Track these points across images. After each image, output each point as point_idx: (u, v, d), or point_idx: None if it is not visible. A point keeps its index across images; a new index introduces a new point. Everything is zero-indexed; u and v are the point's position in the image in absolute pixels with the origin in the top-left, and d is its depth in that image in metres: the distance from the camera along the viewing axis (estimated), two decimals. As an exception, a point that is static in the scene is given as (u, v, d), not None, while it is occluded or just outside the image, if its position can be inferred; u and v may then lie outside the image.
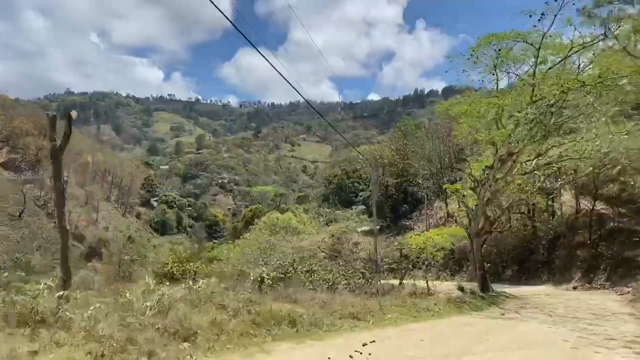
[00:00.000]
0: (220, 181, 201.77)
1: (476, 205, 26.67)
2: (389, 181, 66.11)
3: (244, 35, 10.11)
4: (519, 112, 20.93)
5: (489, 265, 44.12)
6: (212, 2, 9.07)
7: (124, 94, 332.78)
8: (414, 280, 41.73)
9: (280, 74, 11.86)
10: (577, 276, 35.66)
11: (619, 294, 27.97)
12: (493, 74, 20.74)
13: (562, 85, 19.02)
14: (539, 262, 40.35)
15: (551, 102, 20.97)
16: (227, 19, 9.93)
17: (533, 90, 20.51)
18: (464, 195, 30.38)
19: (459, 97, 29.58)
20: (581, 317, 17.22)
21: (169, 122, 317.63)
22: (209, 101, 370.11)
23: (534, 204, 43.20)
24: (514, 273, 42.01)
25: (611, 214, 37.82)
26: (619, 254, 32.43)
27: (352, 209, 51.83)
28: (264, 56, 11.17)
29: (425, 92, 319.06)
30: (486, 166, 25.02)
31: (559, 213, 44.26)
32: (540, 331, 14.25)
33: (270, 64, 11.07)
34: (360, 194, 72.62)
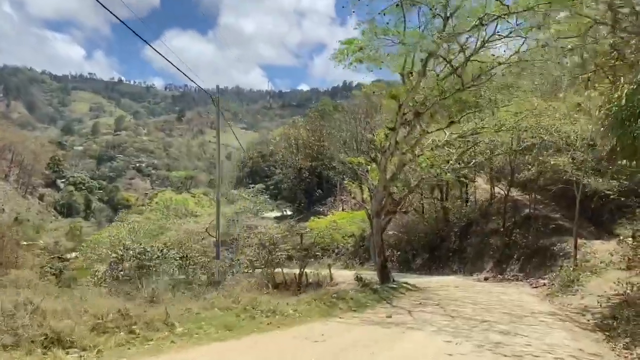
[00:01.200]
0: (137, 165, 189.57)
1: (378, 180, 21.77)
2: (303, 164, 60.94)
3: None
4: (424, 52, 15.99)
5: (398, 253, 39.93)
6: None
7: (39, 70, 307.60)
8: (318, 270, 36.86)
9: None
10: (489, 266, 31.91)
11: (533, 287, 24.08)
12: (398, 5, 15.48)
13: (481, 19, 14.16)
14: (450, 250, 36.45)
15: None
16: None
17: (445, 25, 15.57)
18: (367, 171, 25.44)
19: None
20: (493, 321, 12.48)
21: (89, 102, 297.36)
22: (132, 82, 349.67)
23: (447, 187, 39.28)
24: (424, 262, 37.97)
25: (527, 201, 34.46)
26: (534, 242, 28.79)
27: (250, 188, 46.11)
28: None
29: (354, 84, 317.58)
30: (388, 129, 20.04)
31: (472, 199, 40.67)
32: (432, 349, 9.19)
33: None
34: (273, 177, 66.99)
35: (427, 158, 23.39)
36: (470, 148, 26.55)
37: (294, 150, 62.53)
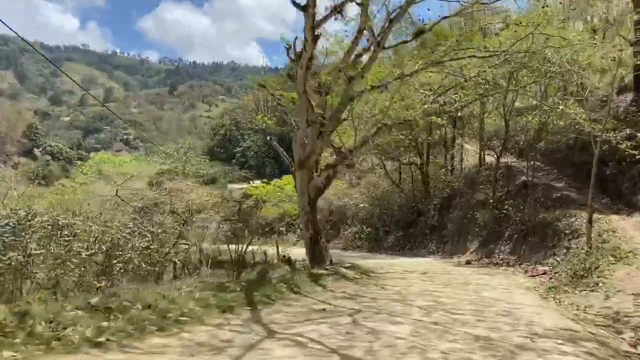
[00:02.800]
0: (125, 137, 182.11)
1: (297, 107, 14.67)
2: (273, 129, 53.55)
3: None
4: None
5: (368, 229, 33.00)
6: None
7: (31, 40, 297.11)
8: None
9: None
10: (473, 246, 25.03)
11: (529, 275, 17.19)
12: None
13: None
14: (428, 226, 29.52)
15: None
16: None
17: None
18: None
19: None
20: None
21: (81, 73, 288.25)
22: (127, 55, 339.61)
23: (427, 151, 32.10)
24: (397, 240, 31.09)
25: (523, 168, 27.39)
26: (531, 216, 21.76)
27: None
28: None
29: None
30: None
31: (458, 167, 33.57)
32: None
33: None
34: (241, 144, 59.55)
35: (393, 98, 16.25)
36: (451, 88, 19.36)
37: (263, 114, 55.12)
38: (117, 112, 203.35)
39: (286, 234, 42.17)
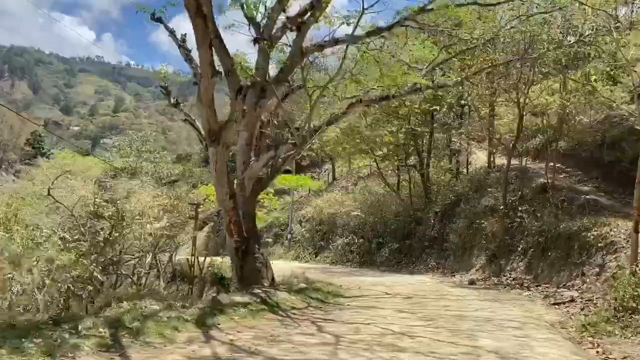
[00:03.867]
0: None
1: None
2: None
3: None
4: None
5: (360, 240, 28.48)
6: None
7: (47, 52, 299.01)
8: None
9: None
10: (479, 262, 20.43)
11: (551, 304, 12.63)
12: None
13: None
14: (427, 238, 24.94)
15: None
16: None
17: None
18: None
19: None
20: None
21: (94, 84, 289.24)
22: (140, 67, 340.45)
23: (428, 153, 27.62)
24: (392, 254, 26.52)
25: (540, 169, 22.85)
26: (552, 226, 17.15)
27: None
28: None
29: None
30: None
31: (465, 172, 29.01)
32: None
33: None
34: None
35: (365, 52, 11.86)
36: (453, 57, 14.97)
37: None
38: (127, 122, 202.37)
39: (273, 245, 37.78)
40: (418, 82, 13.49)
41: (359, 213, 29.73)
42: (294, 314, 8.99)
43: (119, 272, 18.45)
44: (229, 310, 7.99)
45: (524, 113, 20.70)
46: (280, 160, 11.58)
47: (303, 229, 34.52)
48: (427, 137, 26.84)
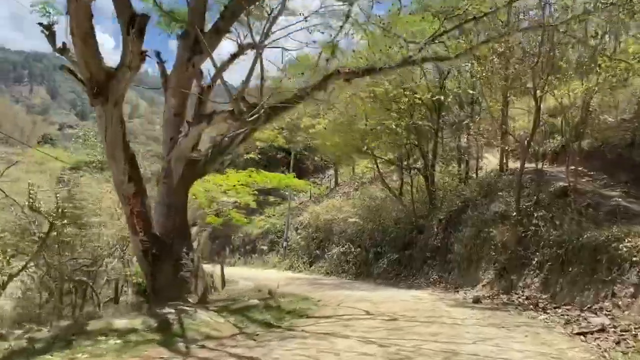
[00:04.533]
0: (146, 152, 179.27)
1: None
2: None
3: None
4: None
5: (358, 249, 25.73)
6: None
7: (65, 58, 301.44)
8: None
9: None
10: (486, 277, 17.50)
11: (576, 333, 9.71)
12: None
13: None
14: (429, 248, 22.07)
15: None
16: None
17: None
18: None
19: None
20: None
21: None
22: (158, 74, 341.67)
23: (434, 154, 24.85)
24: (390, 265, 23.68)
25: (559, 172, 19.97)
26: (574, 235, 14.21)
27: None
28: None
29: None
30: None
31: (474, 177, 26.08)
32: None
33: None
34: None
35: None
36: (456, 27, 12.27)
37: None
38: (141, 128, 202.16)
39: (268, 253, 35.08)
40: (412, 53, 10.75)
41: (357, 220, 26.94)
42: (203, 346, 6.31)
43: (74, 279, 15.91)
44: (88, 341, 5.34)
45: (541, 104, 17.81)
46: (226, 139, 8.98)
47: (298, 237, 31.80)
48: (432, 135, 23.99)
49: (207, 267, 22.84)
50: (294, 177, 29.23)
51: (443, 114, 25.67)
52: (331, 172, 45.97)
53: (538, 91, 16.77)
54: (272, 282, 22.19)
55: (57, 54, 8.73)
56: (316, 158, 44.76)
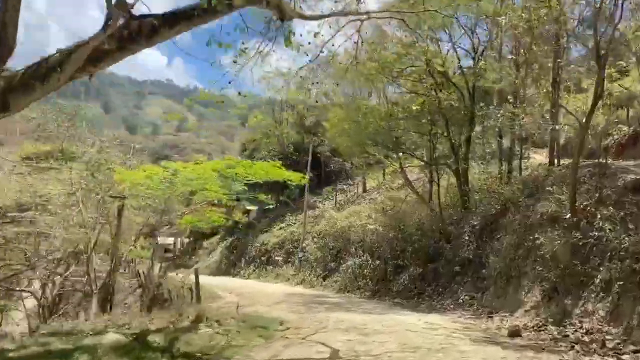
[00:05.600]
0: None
1: None
2: (290, 136, 43.04)
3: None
4: None
5: (377, 262, 21.60)
6: None
7: (120, 75, 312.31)
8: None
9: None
10: (531, 300, 12.97)
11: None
12: None
13: None
14: (459, 261, 17.62)
15: None
16: None
17: None
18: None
19: None
20: None
21: (162, 106, 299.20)
22: (207, 89, 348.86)
23: (468, 141, 20.50)
24: (412, 281, 19.35)
25: (627, 165, 15.28)
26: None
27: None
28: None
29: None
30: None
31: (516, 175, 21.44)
32: None
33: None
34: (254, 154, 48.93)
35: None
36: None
37: (280, 117, 44.86)
38: (188, 142, 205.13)
39: (283, 264, 31.24)
40: None
41: (377, 227, 22.72)
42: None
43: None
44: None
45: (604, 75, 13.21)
46: (56, 55, 5.39)
47: (314, 246, 27.82)
48: (466, 124, 19.62)
49: (188, 278, 19.25)
50: (309, 177, 25.37)
51: (480, 103, 21.28)
52: (360, 178, 41.77)
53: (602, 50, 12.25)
54: (264, 297, 18.34)
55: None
56: (346, 163, 40.80)
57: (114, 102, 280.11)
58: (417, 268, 19.34)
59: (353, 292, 21.54)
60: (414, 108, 16.66)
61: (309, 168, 33.14)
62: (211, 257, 42.95)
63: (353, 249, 23.92)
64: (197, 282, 15.72)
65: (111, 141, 21.60)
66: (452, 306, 16.01)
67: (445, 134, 19.53)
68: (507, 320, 12.72)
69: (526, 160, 23.59)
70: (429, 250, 19.30)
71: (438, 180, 20.65)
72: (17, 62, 5.66)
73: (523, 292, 13.47)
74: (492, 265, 15.55)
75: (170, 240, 54.43)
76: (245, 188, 18.10)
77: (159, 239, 54.59)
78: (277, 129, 43.63)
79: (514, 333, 10.74)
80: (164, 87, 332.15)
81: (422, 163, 22.06)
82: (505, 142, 22.75)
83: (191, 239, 49.95)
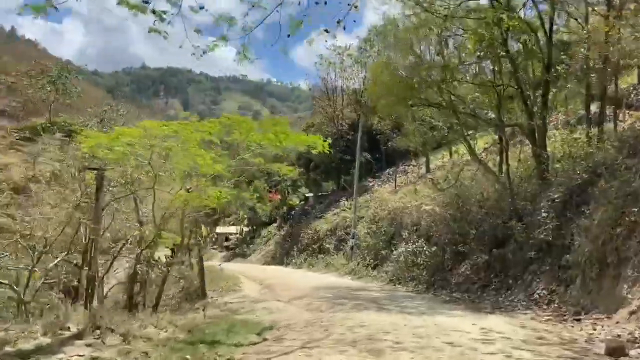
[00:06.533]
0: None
1: None
2: (345, 116, 39.64)
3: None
4: None
5: (434, 248, 18.01)
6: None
7: (197, 72, 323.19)
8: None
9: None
10: (637, 295, 8.87)
11: None
12: None
13: None
14: (534, 245, 13.62)
15: None
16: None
17: None
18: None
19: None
20: None
21: (238, 101, 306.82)
22: (280, 83, 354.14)
23: (544, 102, 16.24)
24: (475, 271, 15.60)
25: None
26: None
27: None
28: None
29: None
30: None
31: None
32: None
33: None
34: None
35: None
36: None
37: (333, 95, 41.44)
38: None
39: (334, 253, 28.18)
40: None
41: (434, 207, 19.04)
42: None
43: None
44: None
45: None
46: None
47: (364, 232, 24.51)
48: (542, 73, 15.42)
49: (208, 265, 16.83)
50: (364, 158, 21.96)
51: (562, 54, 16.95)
52: (424, 158, 37.75)
53: None
54: (288, 291, 15.44)
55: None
56: (409, 145, 36.89)
57: (193, 99, 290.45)
58: (481, 255, 15.52)
59: (405, 284, 18.09)
60: (468, 47, 12.84)
61: (358, 146, 29.75)
62: (268, 245, 40.77)
63: (406, 234, 20.37)
64: (202, 275, 12.99)
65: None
66: (524, 303, 12.23)
67: (515, 86, 15.41)
68: (602, 326, 8.90)
69: (622, 122, 18.95)
70: (495, 232, 15.39)
71: (506, 144, 16.55)
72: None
73: (625, 286, 9.53)
74: (579, 250, 11.56)
75: (232, 229, 53.18)
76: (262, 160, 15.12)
77: (219, 228, 53.66)
78: (331, 107, 40.64)
79: (616, 350, 6.97)
80: (239, 82, 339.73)
81: (488, 127, 17.98)
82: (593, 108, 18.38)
83: (250, 227, 48.14)
